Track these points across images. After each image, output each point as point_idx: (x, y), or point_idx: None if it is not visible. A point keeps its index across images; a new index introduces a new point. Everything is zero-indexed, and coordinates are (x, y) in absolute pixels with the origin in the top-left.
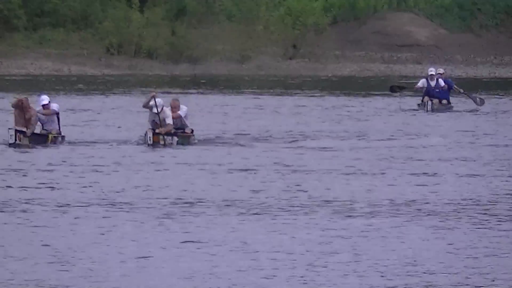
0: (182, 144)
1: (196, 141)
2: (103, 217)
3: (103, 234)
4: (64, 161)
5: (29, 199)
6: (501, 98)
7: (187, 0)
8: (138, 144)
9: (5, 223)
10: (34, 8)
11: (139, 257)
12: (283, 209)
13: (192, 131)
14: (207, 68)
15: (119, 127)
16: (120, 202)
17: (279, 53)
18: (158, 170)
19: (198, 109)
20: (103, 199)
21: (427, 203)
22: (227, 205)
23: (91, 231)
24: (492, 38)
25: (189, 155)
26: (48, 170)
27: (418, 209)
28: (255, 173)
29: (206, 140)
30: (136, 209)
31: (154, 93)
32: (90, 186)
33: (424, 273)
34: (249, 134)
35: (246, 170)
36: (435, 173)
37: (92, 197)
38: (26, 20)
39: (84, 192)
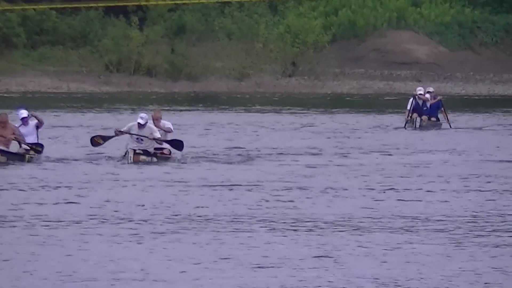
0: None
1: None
2: (98, 234)
3: (102, 252)
4: (47, 179)
5: (32, 216)
6: (500, 115)
7: (186, 18)
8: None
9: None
10: (33, 26)
11: (146, 274)
12: (284, 225)
13: (170, 152)
14: (206, 85)
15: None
16: (121, 219)
17: (278, 71)
18: (151, 186)
19: (196, 126)
20: (96, 216)
21: (428, 219)
22: (228, 221)
23: (93, 249)
24: (492, 56)
25: (185, 172)
26: (33, 188)
27: (421, 225)
28: (254, 189)
29: (203, 157)
30: (138, 225)
31: (116, 131)
32: (78, 203)
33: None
34: (246, 151)
35: (243, 186)
36: (433, 189)
37: (87, 214)
38: (25, 38)
39: (77, 209)
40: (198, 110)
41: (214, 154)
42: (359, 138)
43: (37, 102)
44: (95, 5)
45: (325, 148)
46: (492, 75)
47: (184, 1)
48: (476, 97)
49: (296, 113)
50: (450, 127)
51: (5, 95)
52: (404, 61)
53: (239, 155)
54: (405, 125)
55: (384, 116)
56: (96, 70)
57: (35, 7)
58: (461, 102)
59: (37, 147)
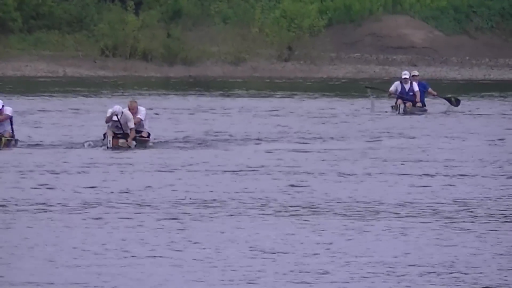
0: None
1: (151, 144)
2: (92, 218)
3: (96, 235)
4: (23, 164)
5: (27, 201)
6: (495, 99)
7: (182, 3)
8: (91, 147)
9: None
10: (29, 11)
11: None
12: (279, 210)
13: (149, 135)
14: (202, 70)
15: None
16: (110, 204)
17: (274, 55)
18: (142, 171)
19: (190, 111)
20: (80, 201)
21: (421, 203)
22: (220, 206)
23: (90, 232)
24: (487, 40)
25: (180, 156)
26: (8, 173)
27: (413, 210)
28: (248, 174)
29: (196, 141)
30: (133, 210)
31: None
32: (57, 188)
33: (426, 273)
34: (240, 135)
35: (237, 171)
36: (421, 174)
37: (68, 199)
38: (21, 23)
39: (58, 194)
40: (193, 94)
41: (201, 139)
42: (354, 123)
43: (33, 86)
44: None
45: (320, 133)
46: (487, 59)
47: None
48: (472, 82)
49: (290, 97)
50: (452, 103)
51: (2, 79)
52: (400, 45)
53: (228, 140)
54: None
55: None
56: (92, 54)
57: None
58: (456, 87)
59: (5, 137)
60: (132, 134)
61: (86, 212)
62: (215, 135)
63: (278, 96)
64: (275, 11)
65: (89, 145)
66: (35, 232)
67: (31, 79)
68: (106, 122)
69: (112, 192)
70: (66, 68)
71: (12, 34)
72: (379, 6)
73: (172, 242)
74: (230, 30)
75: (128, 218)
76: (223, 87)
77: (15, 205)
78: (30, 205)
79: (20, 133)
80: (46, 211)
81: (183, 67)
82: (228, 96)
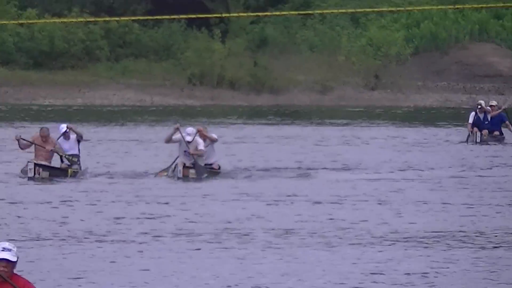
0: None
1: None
2: (138, 251)
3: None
4: (92, 194)
5: (86, 231)
6: None
7: (268, 31)
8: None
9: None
10: (116, 39)
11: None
12: (375, 240)
13: (219, 167)
14: (289, 98)
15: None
16: (180, 234)
17: (361, 84)
18: (209, 200)
19: (276, 140)
20: (144, 231)
21: (471, 232)
22: (318, 236)
23: (143, 264)
24: None
25: (259, 186)
26: (77, 203)
27: (462, 239)
28: (342, 203)
29: (283, 170)
30: (187, 239)
31: (178, 125)
32: (124, 218)
33: None
34: (328, 165)
35: (330, 202)
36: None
37: (137, 230)
38: (108, 51)
39: (123, 224)
40: (280, 123)
41: (282, 168)
42: (431, 152)
43: (122, 115)
44: (177, 17)
45: (407, 162)
46: None
47: (265, 14)
48: None
49: (377, 126)
50: None
51: (90, 108)
52: (487, 74)
53: (309, 169)
54: (467, 139)
55: (452, 129)
56: (179, 83)
57: (117, 19)
58: None
59: (73, 158)
60: (201, 152)
61: (189, 242)
62: (303, 165)
63: (365, 125)
64: (361, 39)
65: (159, 174)
66: (94, 264)
67: (118, 107)
68: (166, 141)
69: (207, 222)
70: (154, 97)
71: (99, 62)
72: (465, 34)
73: (274, 271)
74: (316, 58)
75: (227, 248)
76: (310, 116)
77: (103, 236)
78: (119, 235)
79: (96, 162)
80: (144, 243)
81: (270, 96)
82: (315, 124)
